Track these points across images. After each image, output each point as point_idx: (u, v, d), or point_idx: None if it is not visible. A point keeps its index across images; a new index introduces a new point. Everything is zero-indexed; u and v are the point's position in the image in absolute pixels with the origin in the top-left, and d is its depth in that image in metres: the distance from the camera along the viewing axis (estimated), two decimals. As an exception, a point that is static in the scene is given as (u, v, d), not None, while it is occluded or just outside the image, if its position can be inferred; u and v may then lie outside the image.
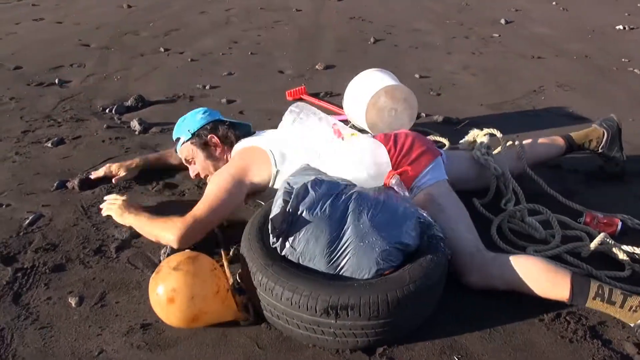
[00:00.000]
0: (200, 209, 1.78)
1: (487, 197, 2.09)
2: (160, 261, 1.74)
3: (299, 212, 1.39)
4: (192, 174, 2.14)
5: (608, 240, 1.80)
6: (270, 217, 1.41)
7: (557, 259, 1.75)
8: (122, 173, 2.22)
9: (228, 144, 2.09)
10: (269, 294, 1.35)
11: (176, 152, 2.18)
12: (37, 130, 2.76)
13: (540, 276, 1.55)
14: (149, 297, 1.45)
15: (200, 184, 2.22)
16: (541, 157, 2.30)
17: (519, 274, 1.56)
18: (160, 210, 1.94)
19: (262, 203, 1.88)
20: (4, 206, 2.06)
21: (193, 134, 2.08)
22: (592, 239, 1.84)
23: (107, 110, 3.02)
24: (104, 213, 1.96)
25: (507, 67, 4.07)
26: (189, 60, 4.05)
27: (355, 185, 1.51)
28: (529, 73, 3.94)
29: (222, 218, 1.85)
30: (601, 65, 4.14)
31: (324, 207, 1.39)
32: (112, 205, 1.94)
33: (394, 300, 1.30)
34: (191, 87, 3.45)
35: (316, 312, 1.30)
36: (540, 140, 2.32)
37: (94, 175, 2.23)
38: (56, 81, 3.47)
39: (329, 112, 3.04)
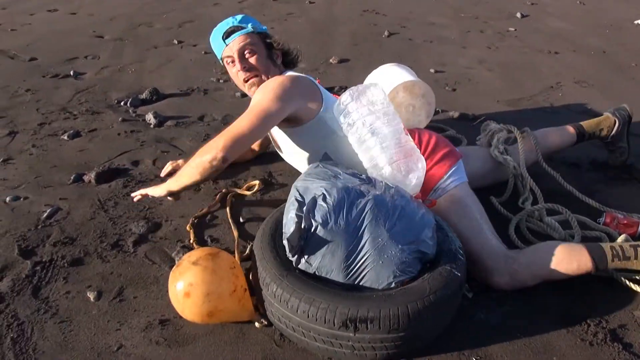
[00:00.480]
0: (245, 118, 1.67)
1: (504, 195, 2.07)
2: (176, 256, 1.76)
3: (312, 229, 1.34)
4: (241, 67, 1.86)
5: (630, 241, 1.77)
6: (287, 237, 1.36)
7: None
8: None
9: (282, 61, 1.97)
10: (284, 305, 1.31)
11: (224, 39, 1.89)
12: (53, 122, 2.77)
13: (562, 259, 1.59)
14: (168, 289, 1.46)
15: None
16: (553, 147, 2.28)
17: (544, 264, 1.59)
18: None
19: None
20: (21, 199, 2.07)
21: (263, 30, 1.94)
22: (612, 240, 1.82)
23: (122, 103, 3.03)
24: (139, 193, 1.85)
25: (523, 63, 4.02)
26: (203, 53, 4.04)
27: (369, 183, 1.47)
28: (546, 69, 3.88)
29: (265, 132, 1.75)
30: (619, 62, 4.08)
31: (338, 220, 1.33)
32: (148, 188, 1.85)
33: (415, 312, 1.27)
34: (205, 81, 3.44)
35: (334, 325, 1.26)
36: (552, 130, 2.30)
37: (163, 173, 2.18)
38: (71, 73, 3.48)
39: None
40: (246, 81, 1.89)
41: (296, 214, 1.35)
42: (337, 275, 1.35)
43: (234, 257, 1.58)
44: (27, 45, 4.06)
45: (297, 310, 1.28)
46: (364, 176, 1.52)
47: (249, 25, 1.90)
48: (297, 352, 1.41)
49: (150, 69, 3.67)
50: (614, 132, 2.30)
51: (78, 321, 1.50)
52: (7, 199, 2.05)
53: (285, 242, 1.37)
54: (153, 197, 1.82)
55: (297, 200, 1.39)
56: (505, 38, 4.72)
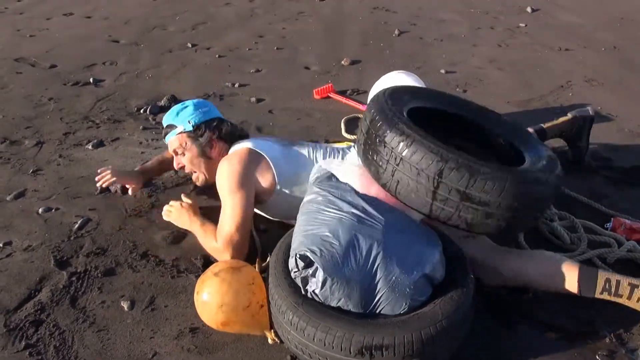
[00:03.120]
0: (228, 221, 1.78)
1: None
2: (202, 265, 1.86)
3: (321, 284, 1.37)
4: (176, 165, 2.09)
5: (638, 247, 1.84)
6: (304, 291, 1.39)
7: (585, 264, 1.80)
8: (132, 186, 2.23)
9: (227, 145, 2.03)
10: (300, 333, 1.34)
11: (163, 138, 2.10)
12: (77, 132, 2.88)
13: (551, 275, 1.62)
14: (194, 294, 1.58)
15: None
16: None
17: (532, 274, 1.64)
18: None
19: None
20: (53, 210, 2.18)
21: (194, 126, 2.00)
22: (620, 245, 1.88)
23: (141, 111, 3.13)
24: (165, 218, 2.04)
25: (533, 61, 4.05)
26: (217, 56, 4.12)
27: (374, 206, 1.47)
28: (557, 67, 3.92)
29: (250, 218, 1.84)
30: (630, 58, 4.09)
31: (345, 270, 1.36)
32: (171, 208, 2.02)
33: (428, 337, 1.30)
34: (220, 86, 3.53)
35: (350, 352, 1.29)
36: None
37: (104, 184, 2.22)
38: (91, 80, 3.58)
39: (357, 111, 3.10)
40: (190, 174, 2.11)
41: (302, 278, 1.39)
42: (354, 310, 1.38)
43: (256, 269, 1.66)
44: (47, 51, 4.17)
45: (313, 339, 1.32)
46: (366, 198, 1.52)
47: (179, 123, 2.01)
48: None
49: (166, 75, 3.76)
50: (573, 133, 2.47)
51: (114, 330, 1.61)
52: (40, 210, 2.17)
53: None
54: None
55: (300, 259, 1.40)
56: (515, 35, 4.74)
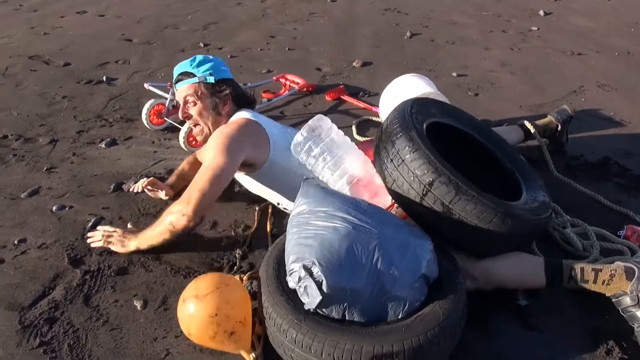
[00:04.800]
0: (202, 180, 1.79)
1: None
2: (217, 266, 1.87)
3: (327, 295, 1.34)
4: (181, 114, 2.07)
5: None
6: (308, 307, 1.36)
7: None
8: (160, 194, 2.22)
9: (235, 107, 2.07)
10: (306, 351, 1.31)
11: (173, 85, 2.09)
12: (90, 130, 2.90)
13: (518, 273, 1.68)
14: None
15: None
16: (513, 143, 2.47)
17: (500, 273, 1.67)
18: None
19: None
20: (67, 208, 2.20)
21: (217, 80, 2.02)
22: (633, 254, 1.87)
23: (154, 110, 3.14)
24: (96, 245, 1.92)
25: (546, 65, 4.03)
26: (229, 56, 4.14)
27: (362, 211, 1.46)
28: (569, 71, 3.90)
29: (223, 186, 1.85)
30: (644, 63, 4.07)
31: (349, 279, 1.35)
32: (109, 239, 1.91)
33: (434, 338, 1.32)
34: (232, 86, 3.54)
35: None
36: (513, 128, 2.58)
37: (132, 189, 2.22)
38: (104, 79, 3.61)
39: (369, 113, 3.11)
40: (193, 126, 2.12)
41: (305, 291, 1.36)
42: (359, 318, 1.37)
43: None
44: (61, 49, 4.20)
45: (321, 355, 1.30)
46: (356, 200, 1.54)
47: (200, 73, 2.02)
48: None
49: (179, 74, 3.77)
50: (557, 133, 2.63)
51: (127, 329, 1.62)
52: (54, 208, 2.19)
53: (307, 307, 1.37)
54: (113, 251, 1.91)
55: (304, 270, 1.37)
56: (527, 38, 4.72)
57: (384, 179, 1.69)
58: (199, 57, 2.08)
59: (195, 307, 1.42)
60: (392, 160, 1.64)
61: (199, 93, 2.02)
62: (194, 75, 2.02)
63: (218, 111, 2.05)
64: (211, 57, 2.13)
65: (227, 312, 1.42)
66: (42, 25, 4.90)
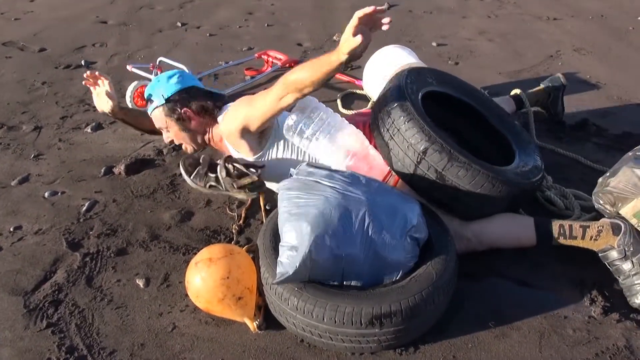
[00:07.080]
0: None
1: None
2: (214, 242, 1.91)
3: (327, 263, 1.40)
4: (166, 140, 2.03)
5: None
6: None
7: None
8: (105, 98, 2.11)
9: (207, 114, 1.93)
10: (308, 316, 1.38)
11: (149, 113, 2.01)
12: (74, 115, 2.88)
13: (509, 231, 1.76)
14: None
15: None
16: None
17: (492, 234, 1.74)
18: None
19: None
20: (59, 194, 2.21)
21: (167, 100, 1.91)
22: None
23: (137, 92, 3.12)
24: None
25: (523, 31, 4.10)
26: (208, 35, 4.11)
27: (352, 181, 1.51)
28: (545, 36, 3.97)
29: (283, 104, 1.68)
30: (617, 26, 4.15)
31: (346, 245, 1.41)
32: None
33: (429, 297, 1.39)
34: (214, 65, 3.53)
35: (361, 325, 1.35)
36: (505, 98, 2.57)
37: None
38: (82, 63, 3.56)
39: (352, 87, 3.14)
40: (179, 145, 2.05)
41: (302, 258, 1.38)
42: (356, 282, 1.44)
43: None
44: (34, 35, 4.11)
45: (323, 319, 1.36)
46: (343, 173, 1.58)
47: (156, 100, 1.93)
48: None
49: (158, 55, 3.70)
50: (549, 102, 2.64)
51: (132, 306, 1.66)
52: (46, 194, 2.19)
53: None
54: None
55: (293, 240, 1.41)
56: (504, 5, 4.77)
57: (381, 148, 1.76)
58: (157, 78, 1.98)
59: (209, 270, 1.50)
60: (388, 130, 1.73)
61: (165, 121, 1.96)
62: (153, 100, 1.96)
63: (189, 129, 1.95)
64: (164, 74, 1.99)
65: (238, 276, 1.51)
66: (12, 10, 4.78)
